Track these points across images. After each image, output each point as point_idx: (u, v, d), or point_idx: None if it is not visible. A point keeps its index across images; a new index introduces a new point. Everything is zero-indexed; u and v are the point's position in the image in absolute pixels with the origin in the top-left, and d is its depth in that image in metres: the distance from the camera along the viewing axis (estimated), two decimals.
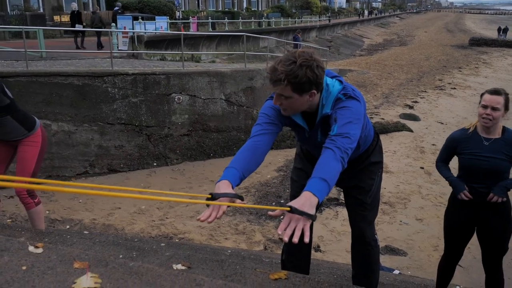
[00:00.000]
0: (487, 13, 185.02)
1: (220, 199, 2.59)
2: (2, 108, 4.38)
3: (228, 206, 2.64)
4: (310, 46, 33.66)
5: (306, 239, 2.37)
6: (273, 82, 2.69)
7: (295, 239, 2.34)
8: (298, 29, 34.69)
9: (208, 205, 2.60)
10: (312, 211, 2.37)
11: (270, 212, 2.51)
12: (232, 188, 2.66)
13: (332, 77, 2.97)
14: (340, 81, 2.93)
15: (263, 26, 44.65)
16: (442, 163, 4.36)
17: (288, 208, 2.40)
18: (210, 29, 35.71)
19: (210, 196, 2.61)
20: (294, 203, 2.39)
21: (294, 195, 3.48)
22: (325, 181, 2.45)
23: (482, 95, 4.10)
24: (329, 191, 2.47)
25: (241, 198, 2.68)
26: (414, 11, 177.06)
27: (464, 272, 7.01)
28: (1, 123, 4.45)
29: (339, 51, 48.32)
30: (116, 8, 26.92)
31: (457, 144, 4.14)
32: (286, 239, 2.37)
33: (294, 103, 2.75)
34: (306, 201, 2.39)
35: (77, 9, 22.06)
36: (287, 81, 2.62)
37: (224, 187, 2.64)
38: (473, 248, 5.65)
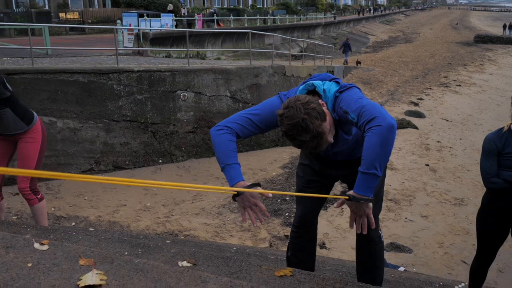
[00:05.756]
0: (492, 10, 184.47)
1: (245, 193, 2.85)
2: (1, 100, 4.39)
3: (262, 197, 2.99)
4: (315, 43, 33.70)
5: (372, 226, 2.93)
6: (300, 146, 2.84)
7: (364, 232, 2.93)
8: (347, 37, 42.04)
9: (235, 199, 2.93)
10: (368, 196, 2.76)
11: (334, 205, 3.00)
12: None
13: (330, 80, 3.04)
14: (338, 82, 3.00)
15: (269, 23, 44.58)
16: (494, 177, 4.10)
17: (347, 197, 2.79)
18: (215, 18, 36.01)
19: (236, 193, 2.86)
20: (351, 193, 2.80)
21: (300, 190, 3.49)
22: (368, 174, 2.69)
23: None
24: (379, 173, 2.69)
25: (260, 185, 2.89)
26: (419, 8, 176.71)
27: (469, 269, 6.99)
28: (0, 115, 4.46)
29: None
30: (212, 11, 35.78)
31: (496, 145, 4.09)
32: (359, 231, 2.95)
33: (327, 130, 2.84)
34: (358, 198, 2.77)
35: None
36: (313, 133, 2.71)
37: (243, 184, 2.87)
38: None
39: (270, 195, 2.88)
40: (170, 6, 23.96)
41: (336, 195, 2.87)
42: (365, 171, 2.64)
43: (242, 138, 3.05)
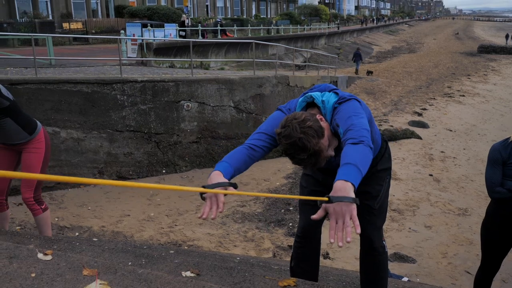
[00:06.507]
0: (496, 21, 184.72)
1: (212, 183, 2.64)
2: (1, 110, 4.38)
3: (226, 195, 2.68)
4: (319, 53, 33.80)
5: (358, 230, 2.39)
6: (299, 164, 2.80)
7: (348, 239, 2.31)
8: (358, 46, 43.67)
9: (204, 199, 2.64)
10: (351, 194, 2.36)
11: (313, 216, 2.52)
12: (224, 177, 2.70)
13: (330, 91, 3.02)
14: (337, 93, 2.97)
15: (272, 34, 44.65)
16: (499, 187, 4.11)
17: (327, 199, 2.39)
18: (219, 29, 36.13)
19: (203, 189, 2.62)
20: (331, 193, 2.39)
21: (303, 201, 3.48)
22: (350, 164, 2.43)
23: None
24: (361, 171, 2.43)
25: (235, 186, 2.72)
26: (423, 18, 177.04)
27: (473, 279, 6.97)
28: (1, 125, 4.46)
29: (348, 58, 48.35)
30: (217, 20, 37.99)
31: (501, 154, 4.08)
32: (341, 244, 2.35)
33: (324, 147, 2.78)
34: (341, 188, 2.37)
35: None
36: (310, 151, 2.67)
37: (216, 177, 2.68)
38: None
39: (232, 189, 2.72)
40: (184, 17, 24.33)
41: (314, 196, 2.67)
42: (347, 162, 2.45)
43: (263, 150, 2.96)
